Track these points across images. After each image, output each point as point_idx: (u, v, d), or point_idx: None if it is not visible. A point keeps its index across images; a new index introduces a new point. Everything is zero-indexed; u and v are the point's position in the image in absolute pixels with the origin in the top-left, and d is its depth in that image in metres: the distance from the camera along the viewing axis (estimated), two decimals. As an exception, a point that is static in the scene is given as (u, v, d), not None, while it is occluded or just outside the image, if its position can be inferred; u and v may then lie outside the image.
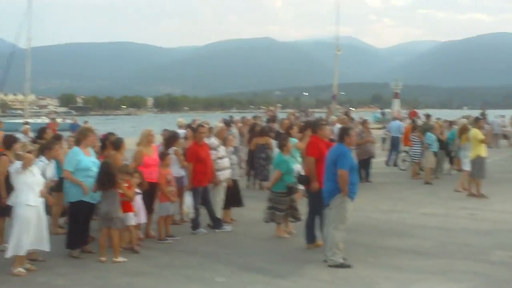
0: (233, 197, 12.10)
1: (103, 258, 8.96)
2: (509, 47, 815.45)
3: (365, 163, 18.04)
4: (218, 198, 11.69)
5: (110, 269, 8.58)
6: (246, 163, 17.58)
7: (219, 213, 11.65)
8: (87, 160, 9.36)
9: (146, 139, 10.86)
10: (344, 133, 9.00)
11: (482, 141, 15.18)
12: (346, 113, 25.41)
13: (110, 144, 10.69)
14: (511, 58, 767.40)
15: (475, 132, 15.33)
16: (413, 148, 19.04)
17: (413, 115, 35.03)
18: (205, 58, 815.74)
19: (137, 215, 9.81)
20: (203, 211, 11.40)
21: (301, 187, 10.73)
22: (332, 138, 12.28)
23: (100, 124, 55.38)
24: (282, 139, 11.57)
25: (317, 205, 9.51)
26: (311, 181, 9.77)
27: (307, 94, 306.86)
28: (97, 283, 7.94)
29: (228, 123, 19.91)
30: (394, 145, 22.80)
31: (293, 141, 12.17)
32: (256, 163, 16.46)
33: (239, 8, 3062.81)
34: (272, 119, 21.24)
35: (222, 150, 11.84)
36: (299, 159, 10.92)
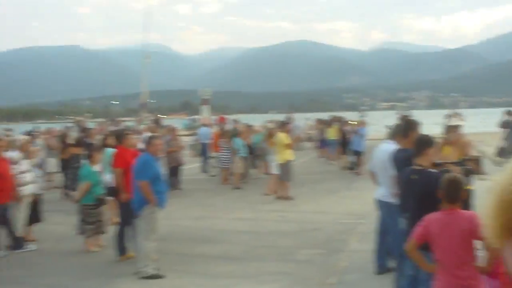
0: (35, 213, 11.39)
1: None
2: (312, 54, 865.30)
3: (174, 171, 17.97)
4: (20, 215, 10.93)
5: None
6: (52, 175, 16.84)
7: (21, 231, 10.89)
8: None
9: None
10: (147, 142, 8.86)
11: (288, 146, 15.68)
12: (156, 121, 25.19)
13: None
14: (313, 64, 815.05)
15: (281, 137, 15.80)
16: (222, 154, 19.26)
17: (221, 121, 35.51)
18: (6, 65, 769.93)
19: None
20: (2, 231, 10.60)
21: (110, 198, 10.43)
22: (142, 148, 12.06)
23: None
24: (90, 149, 11.15)
25: (128, 216, 9.26)
26: (120, 192, 9.52)
27: (117, 102, 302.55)
28: None
29: (32, 134, 18.91)
30: (204, 151, 22.96)
31: (109, 151, 11.78)
32: (70, 174, 15.86)
33: (42, 13, 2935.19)
34: (82, 129, 20.58)
35: (24, 164, 11.11)
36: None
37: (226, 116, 46.19)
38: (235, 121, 26.88)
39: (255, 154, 20.49)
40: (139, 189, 8.41)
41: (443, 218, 4.70)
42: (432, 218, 4.79)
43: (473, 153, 7.97)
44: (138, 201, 8.52)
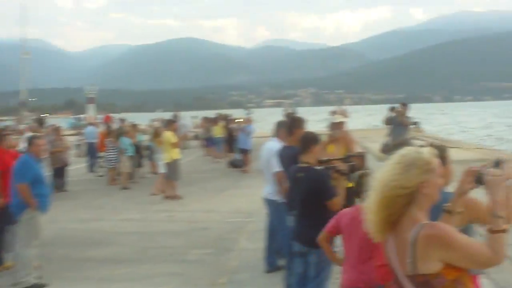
0: None
1: None
2: (197, 51, 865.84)
3: (59, 172, 17.44)
4: None
5: None
6: None
7: None
8: None
9: None
10: (28, 142, 8.48)
11: (174, 144, 15.60)
12: (39, 120, 24.36)
13: None
14: (199, 61, 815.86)
15: (168, 135, 15.69)
16: (108, 153, 18.92)
17: (107, 120, 34.87)
18: None
19: None
20: None
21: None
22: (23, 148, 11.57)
23: None
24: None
25: (4, 222, 8.76)
26: (-3, 197, 9.06)
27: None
28: None
29: None
30: (90, 151, 22.49)
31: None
32: None
33: None
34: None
35: None
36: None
37: (112, 115, 45.34)
38: (122, 120, 26.41)
39: (141, 154, 20.28)
40: (18, 192, 8.03)
41: (353, 212, 4.75)
42: (344, 212, 4.87)
43: (358, 149, 8.18)
44: (16, 205, 8.07)
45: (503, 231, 2.74)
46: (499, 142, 46.13)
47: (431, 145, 3.67)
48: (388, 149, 16.41)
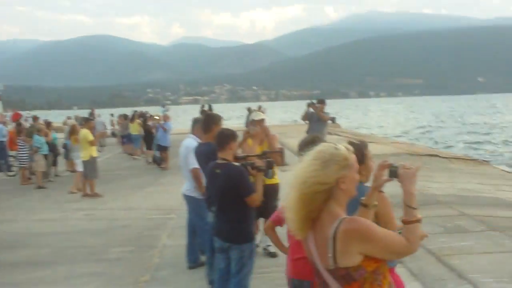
0: None
1: None
2: (112, 48, 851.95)
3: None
4: None
5: None
6: None
7: None
8: None
9: None
10: None
11: (92, 142, 15.36)
12: None
13: None
14: (114, 58, 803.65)
15: (85, 133, 15.43)
16: (20, 152, 18.38)
17: (16, 118, 33.71)
18: None
19: None
20: None
21: None
22: None
23: None
24: None
25: None
26: None
27: None
28: None
29: None
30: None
31: None
32: None
33: None
34: None
35: None
36: None
37: (22, 113, 43.93)
38: (35, 117, 25.67)
39: (56, 152, 19.86)
40: None
41: None
42: None
43: (276, 145, 8.27)
44: None
45: (417, 221, 2.89)
46: (412, 136, 47.83)
47: (351, 141, 3.77)
48: (304, 145, 16.62)
